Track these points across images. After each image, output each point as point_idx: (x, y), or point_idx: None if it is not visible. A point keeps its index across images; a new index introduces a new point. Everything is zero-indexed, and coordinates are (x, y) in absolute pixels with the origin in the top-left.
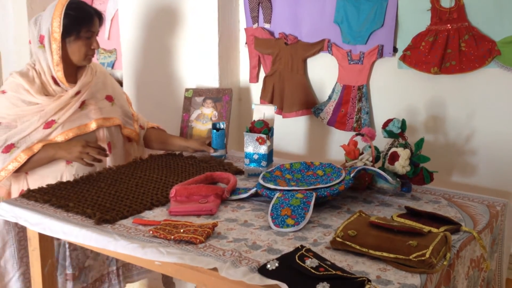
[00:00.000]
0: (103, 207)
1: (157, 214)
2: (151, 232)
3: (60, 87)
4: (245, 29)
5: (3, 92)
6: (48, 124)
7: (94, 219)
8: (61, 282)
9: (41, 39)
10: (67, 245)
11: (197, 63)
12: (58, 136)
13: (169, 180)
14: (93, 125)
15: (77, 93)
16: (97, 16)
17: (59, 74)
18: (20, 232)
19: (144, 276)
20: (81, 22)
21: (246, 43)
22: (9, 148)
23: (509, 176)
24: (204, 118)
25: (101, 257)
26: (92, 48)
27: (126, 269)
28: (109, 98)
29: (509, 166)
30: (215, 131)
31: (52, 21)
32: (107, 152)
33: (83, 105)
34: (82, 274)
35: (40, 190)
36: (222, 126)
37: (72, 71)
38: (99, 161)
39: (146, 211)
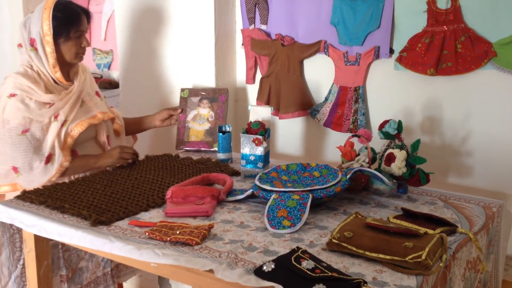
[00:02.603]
0: (99, 209)
1: (153, 216)
2: (147, 233)
3: (59, 86)
4: (242, 30)
5: (13, 95)
6: (55, 117)
7: (90, 221)
8: (56, 284)
9: (31, 42)
10: (59, 246)
11: (194, 64)
12: (74, 129)
13: (165, 181)
14: (99, 116)
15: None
16: (85, 14)
17: (58, 75)
18: (15, 233)
19: (133, 274)
20: (69, 23)
21: (242, 44)
22: (49, 158)
23: (505, 177)
24: (200, 119)
25: (96, 259)
26: (83, 46)
27: (118, 270)
28: (98, 94)
29: (505, 168)
30: (221, 134)
31: (42, 24)
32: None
33: (82, 103)
34: (76, 275)
35: (36, 191)
36: (228, 129)
37: (65, 69)
38: (135, 162)
39: (142, 213)
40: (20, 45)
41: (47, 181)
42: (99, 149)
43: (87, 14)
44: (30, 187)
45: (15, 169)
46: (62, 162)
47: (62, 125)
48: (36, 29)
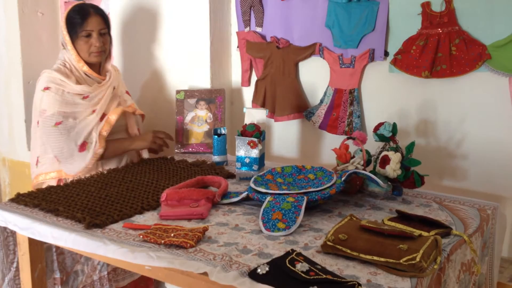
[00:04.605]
0: (93, 211)
1: (148, 218)
2: (141, 236)
3: (92, 79)
4: (237, 32)
5: (47, 88)
6: (93, 111)
7: (84, 224)
8: (50, 287)
9: (62, 42)
10: (54, 249)
11: (189, 66)
12: (111, 116)
13: (160, 184)
14: (129, 110)
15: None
16: (96, 15)
17: (85, 68)
18: (9, 236)
19: (132, 279)
20: (76, 24)
21: (237, 47)
22: (83, 146)
23: (499, 179)
24: (199, 121)
25: (92, 262)
26: (94, 45)
27: (115, 273)
28: (128, 93)
29: (500, 170)
30: (216, 136)
31: (62, 25)
32: (172, 138)
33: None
34: (70, 278)
35: (30, 194)
36: (223, 131)
37: (95, 66)
38: (167, 146)
39: (137, 215)
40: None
41: (85, 167)
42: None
43: (102, 15)
44: (71, 173)
45: (56, 157)
46: (96, 149)
47: (101, 118)
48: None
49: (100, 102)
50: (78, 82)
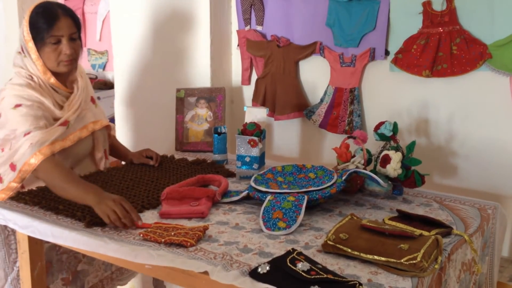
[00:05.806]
0: (93, 210)
1: (148, 217)
2: (141, 235)
3: (59, 94)
4: (237, 31)
5: (18, 105)
6: (63, 124)
7: (84, 222)
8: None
9: (21, 48)
10: (56, 248)
11: (189, 65)
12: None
13: (160, 183)
14: (89, 128)
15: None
16: (69, 18)
17: (52, 81)
18: (10, 235)
19: (132, 277)
20: (42, 29)
21: (238, 45)
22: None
23: (500, 179)
24: (199, 119)
25: (97, 262)
26: (64, 53)
27: (120, 272)
28: (93, 100)
29: (500, 169)
30: (216, 135)
31: (23, 29)
32: (137, 222)
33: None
34: (77, 278)
35: (30, 192)
36: (223, 130)
37: (62, 76)
38: (124, 225)
39: None
40: (19, 53)
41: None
42: (93, 166)
43: (72, 17)
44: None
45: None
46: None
47: (65, 124)
48: (20, 34)
49: (68, 122)
50: (53, 101)
